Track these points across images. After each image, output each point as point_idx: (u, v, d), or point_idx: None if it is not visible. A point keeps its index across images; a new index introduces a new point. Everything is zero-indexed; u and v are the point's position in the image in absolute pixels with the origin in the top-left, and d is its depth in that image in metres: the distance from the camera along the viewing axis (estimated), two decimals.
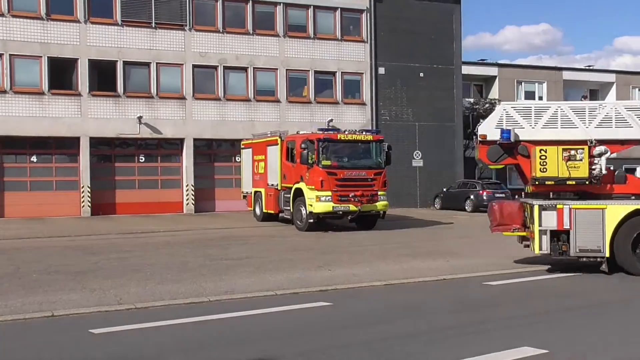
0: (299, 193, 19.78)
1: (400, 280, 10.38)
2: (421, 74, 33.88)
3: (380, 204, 19.32)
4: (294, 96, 31.21)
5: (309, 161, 19.04)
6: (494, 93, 42.92)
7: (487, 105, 39.87)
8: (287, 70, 30.96)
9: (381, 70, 32.86)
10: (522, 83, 44.17)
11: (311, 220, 19.20)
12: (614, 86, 47.37)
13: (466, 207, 30.42)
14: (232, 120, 29.69)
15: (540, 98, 44.58)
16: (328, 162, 19.19)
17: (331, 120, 31.92)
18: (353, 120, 31.88)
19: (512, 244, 13.17)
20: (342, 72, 32.08)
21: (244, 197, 24.56)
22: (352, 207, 18.95)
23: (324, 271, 11.25)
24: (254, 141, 23.73)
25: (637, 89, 47.98)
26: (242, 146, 24.99)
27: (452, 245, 15.16)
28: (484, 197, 29.80)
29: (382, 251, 13.67)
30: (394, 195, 30.45)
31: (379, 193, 19.32)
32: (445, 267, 11.75)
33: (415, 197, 33.72)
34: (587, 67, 49.54)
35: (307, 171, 19.22)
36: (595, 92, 48.65)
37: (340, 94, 32.00)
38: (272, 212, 21.71)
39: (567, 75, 45.92)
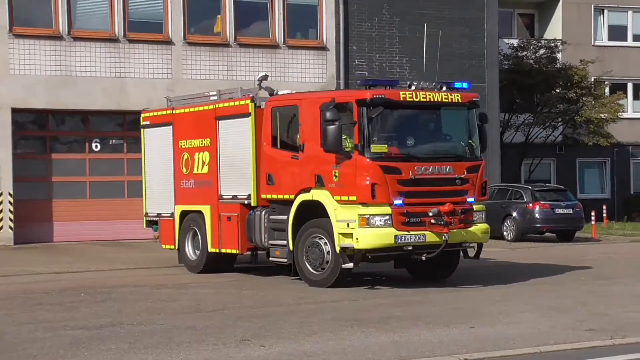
0: (310, 210, 17.51)
1: None
2: None
3: (478, 230, 17.61)
4: (198, 33, 31.41)
5: (344, 146, 16.80)
6: (555, 28, 42.66)
7: (541, 50, 40.05)
8: None
9: None
10: (605, 10, 43.90)
11: (348, 266, 17.03)
12: None
13: (504, 232, 31.19)
14: (82, 77, 29.95)
15: (637, 37, 43.41)
16: (383, 148, 17.02)
17: (264, 76, 30.71)
18: (304, 76, 32.04)
19: None
20: None
21: (151, 223, 22.14)
22: (430, 237, 17.00)
23: None
24: (177, 111, 21.13)
25: None
26: (143, 122, 22.27)
27: None
28: (537, 215, 30.61)
29: None
30: None
31: (475, 208, 17.70)
32: None
33: None
34: None
35: (336, 166, 17.08)
36: None
37: (281, 31, 31.99)
38: (230, 251, 19.46)
39: None
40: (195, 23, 31.13)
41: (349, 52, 32.56)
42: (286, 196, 17.96)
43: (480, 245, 17.90)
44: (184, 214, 20.66)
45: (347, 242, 16.82)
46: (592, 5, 42.95)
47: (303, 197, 17.53)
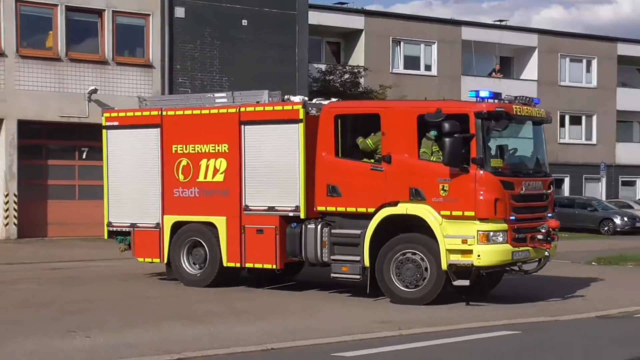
0: (394, 225, 15.49)
1: None
2: (244, 22, 33.92)
3: (554, 245, 16.14)
4: (31, 47, 30.52)
5: (464, 160, 14.85)
6: (358, 56, 43.59)
7: (346, 75, 40.41)
8: (17, 2, 30.13)
9: (179, 12, 32.73)
10: (401, 42, 44.70)
11: (463, 283, 15.14)
12: (535, 52, 48.98)
13: None
14: None
15: (428, 67, 45.10)
16: (499, 163, 15.40)
17: (94, 90, 30.73)
18: (131, 90, 31.43)
19: None
20: (114, 12, 31.66)
21: (113, 234, 18.73)
22: (532, 253, 15.55)
23: None
24: (169, 112, 17.90)
25: (567, 58, 49.96)
26: (107, 123, 18.67)
27: None
28: None
29: None
30: None
31: None
32: None
33: None
34: (498, 23, 51.04)
35: (445, 180, 15.04)
36: (509, 61, 50.11)
37: (110, 48, 31.63)
38: (261, 265, 16.90)
39: (468, 33, 46.88)
40: (28, 37, 30.16)
41: (173, 70, 32.25)
42: (360, 209, 15.69)
43: (546, 259, 15.80)
44: (177, 225, 17.68)
45: (459, 259, 14.92)
46: (391, 38, 43.82)
47: (389, 210, 15.35)
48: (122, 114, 18.72)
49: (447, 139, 14.67)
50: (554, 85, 47.40)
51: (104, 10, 31.13)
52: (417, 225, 15.26)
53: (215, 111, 17.34)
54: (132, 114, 18.58)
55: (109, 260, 22.02)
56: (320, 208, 16.08)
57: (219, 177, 17.24)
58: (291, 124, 16.40)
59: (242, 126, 16.92)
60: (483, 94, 15.28)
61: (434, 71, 45.24)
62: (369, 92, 39.92)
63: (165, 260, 17.82)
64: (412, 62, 44.90)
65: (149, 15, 31.94)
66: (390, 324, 13.04)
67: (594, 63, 50.41)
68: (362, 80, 40.64)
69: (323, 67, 41.23)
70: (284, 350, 11.22)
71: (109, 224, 18.53)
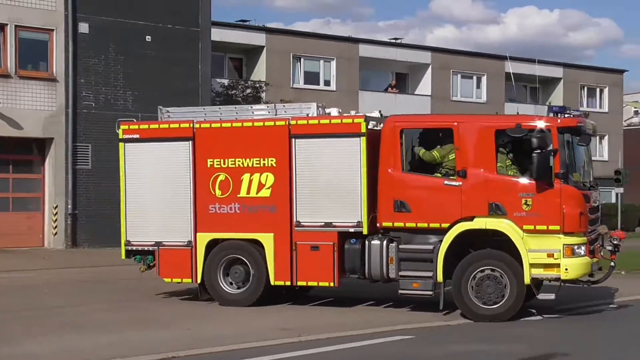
0: (467, 240, 14.97)
1: None
2: (148, 38, 33.66)
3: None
4: None
5: (552, 174, 14.53)
6: (260, 71, 43.67)
7: (248, 90, 40.25)
8: None
9: (83, 28, 32.18)
10: (301, 59, 44.91)
11: (549, 297, 14.81)
12: (429, 69, 49.81)
13: None
14: None
15: (327, 82, 45.43)
16: (578, 177, 15.23)
17: None
18: (35, 104, 31.04)
19: None
20: (16, 26, 30.99)
21: (132, 254, 17.18)
22: (600, 264, 15.60)
23: None
24: (203, 125, 16.65)
25: (458, 75, 50.95)
26: (125, 135, 17.15)
27: None
28: None
29: None
30: (102, 228, 29.84)
31: None
32: None
33: None
34: (394, 41, 51.73)
35: (528, 194, 14.67)
36: (404, 77, 50.84)
37: (12, 63, 30.88)
38: (315, 283, 15.94)
39: (365, 50, 47.36)
40: None
41: (77, 85, 31.49)
42: (433, 225, 15.05)
43: (612, 269, 15.81)
44: (213, 243, 16.42)
45: (541, 273, 14.57)
46: (291, 54, 43.88)
47: (466, 225, 14.80)
48: (143, 127, 17.08)
49: (536, 154, 14.26)
50: (446, 100, 48.22)
51: (7, 24, 30.44)
52: (493, 240, 14.82)
53: (261, 124, 16.12)
54: (157, 126, 16.99)
55: (22, 272, 21.62)
56: (387, 224, 15.31)
57: (265, 193, 16.08)
58: (352, 138, 15.48)
59: (293, 140, 15.83)
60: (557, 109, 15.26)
61: (332, 86, 45.53)
62: None
63: (199, 280, 16.40)
64: (311, 77, 45.06)
65: (53, 30, 31.26)
66: (290, 331, 13.12)
67: (484, 79, 51.50)
68: (263, 95, 40.74)
69: (226, 82, 41.10)
70: (185, 358, 11.19)
71: (127, 243, 16.88)
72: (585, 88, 56.25)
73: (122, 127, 17.08)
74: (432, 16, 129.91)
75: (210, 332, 13.25)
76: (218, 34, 38.94)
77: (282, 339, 12.51)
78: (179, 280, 16.76)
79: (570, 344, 12.60)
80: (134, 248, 16.89)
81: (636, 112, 62.88)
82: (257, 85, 40.93)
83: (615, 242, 15.54)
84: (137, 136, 16.98)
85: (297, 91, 43.01)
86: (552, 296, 14.80)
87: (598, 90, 56.90)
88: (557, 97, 54.35)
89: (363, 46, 47.42)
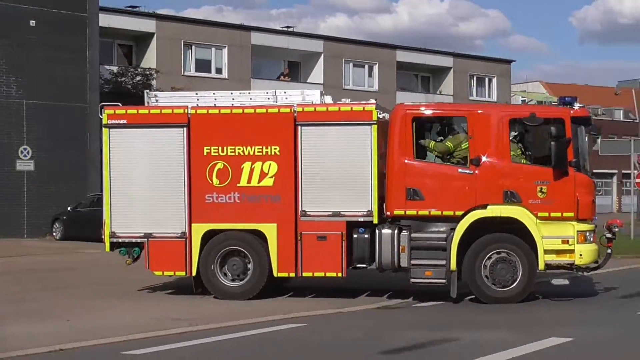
0: (481, 227, 15.02)
1: None
2: (32, 22, 33.07)
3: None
4: None
5: (567, 163, 14.79)
6: (150, 59, 43.24)
7: (138, 77, 39.79)
8: None
9: None
10: (193, 46, 44.57)
11: (564, 282, 15.37)
12: (321, 57, 49.89)
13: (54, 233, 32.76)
14: None
15: (219, 70, 45.10)
16: (588, 166, 15.72)
17: None
18: None
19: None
20: None
21: (117, 246, 16.05)
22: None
23: None
24: (199, 111, 15.71)
25: (350, 63, 51.19)
26: (110, 120, 15.86)
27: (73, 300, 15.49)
28: None
29: None
30: None
31: None
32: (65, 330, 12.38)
33: (22, 219, 33.01)
34: (286, 29, 51.70)
35: (543, 182, 14.87)
36: (297, 65, 50.82)
37: None
38: (323, 274, 15.33)
39: (257, 38, 47.19)
40: None
41: None
42: (447, 212, 15.01)
43: (609, 256, 16.04)
44: (209, 234, 15.60)
45: (553, 259, 14.84)
46: (182, 41, 43.56)
47: (480, 213, 14.86)
48: (131, 112, 15.88)
49: (553, 143, 14.51)
50: (338, 88, 48.28)
51: None
52: (506, 227, 14.95)
53: (263, 111, 15.50)
54: (147, 111, 15.88)
55: None
56: (398, 212, 15.05)
57: (268, 182, 15.41)
58: (362, 126, 15.12)
59: (299, 127, 15.30)
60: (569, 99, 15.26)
61: (224, 74, 45.27)
62: None
63: (194, 273, 15.53)
64: (203, 65, 44.80)
65: None
66: (183, 321, 12.94)
67: (376, 68, 51.87)
68: (154, 83, 40.23)
69: (115, 69, 40.58)
70: (73, 350, 10.95)
71: (112, 235, 15.71)
72: (475, 77, 57.22)
73: (106, 112, 15.84)
74: (325, 5, 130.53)
75: (100, 323, 12.94)
76: (106, 20, 38.42)
77: (174, 329, 12.34)
78: (171, 273, 15.91)
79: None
80: (120, 240, 15.81)
81: (523, 101, 64.35)
82: (147, 72, 40.48)
83: (615, 230, 15.69)
84: (124, 122, 15.79)
85: (189, 79, 42.63)
86: (566, 282, 15.31)
87: (487, 79, 57.96)
88: (447, 86, 55.23)
89: (255, 34, 47.24)
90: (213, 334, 12.02)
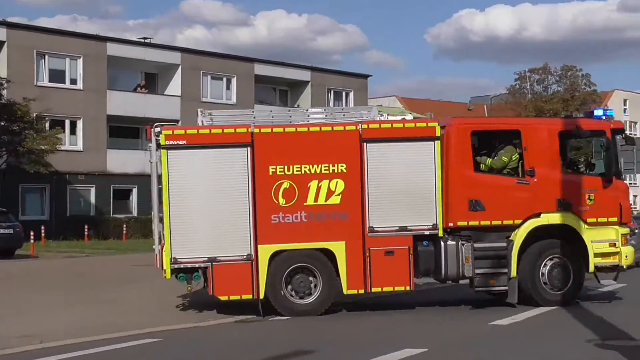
0: (535, 234, 15.88)
1: None
2: None
3: None
4: None
5: (613, 171, 16.17)
6: (1, 68, 42.31)
7: None
8: None
9: None
10: (46, 56, 43.81)
11: (612, 282, 16.96)
12: (179, 69, 49.51)
13: None
14: None
15: (74, 81, 44.19)
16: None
17: None
18: None
19: None
20: None
21: (179, 272, 15.07)
22: None
23: None
24: (262, 130, 15.38)
25: (208, 76, 50.97)
26: (168, 141, 15.13)
27: None
28: None
29: None
30: None
31: None
32: None
33: None
34: (143, 40, 51.09)
35: (591, 190, 16.02)
36: (154, 77, 50.25)
37: None
38: (391, 289, 15.48)
39: (113, 49, 46.49)
40: None
41: None
42: (507, 221, 15.69)
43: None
44: (275, 255, 15.20)
45: (600, 261, 16.02)
46: (35, 50, 42.69)
47: (537, 221, 15.78)
48: (191, 132, 15.20)
49: (603, 154, 16.12)
50: (196, 101, 48.04)
51: None
52: (554, 233, 15.99)
53: (329, 129, 15.46)
54: (208, 131, 15.27)
55: None
56: (461, 223, 15.58)
57: (335, 200, 15.26)
58: (426, 142, 15.40)
59: (365, 144, 15.31)
60: (597, 112, 16.80)
61: (79, 85, 44.48)
62: (12, 105, 38.69)
63: (262, 295, 15.01)
64: (57, 75, 43.95)
65: None
66: (32, 337, 12.56)
67: (234, 81, 51.83)
68: (4, 92, 39.07)
69: None
70: None
71: (174, 261, 14.87)
72: (332, 91, 57.92)
73: (164, 132, 15.09)
74: (183, 16, 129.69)
75: None
76: None
77: (23, 346, 12.01)
78: (238, 297, 15.08)
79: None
80: (182, 266, 14.97)
81: (381, 115, 65.26)
82: None
83: (636, 231, 18.03)
84: (184, 142, 15.09)
85: (42, 89, 41.67)
86: (614, 282, 16.75)
87: (344, 93, 58.74)
88: (305, 100, 55.69)
89: (111, 45, 46.58)
90: (63, 350, 11.72)
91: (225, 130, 15.26)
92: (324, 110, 16.84)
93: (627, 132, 18.23)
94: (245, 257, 15.00)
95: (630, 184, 37.26)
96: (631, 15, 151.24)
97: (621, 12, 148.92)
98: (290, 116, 16.52)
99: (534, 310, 15.27)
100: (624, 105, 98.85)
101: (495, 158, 15.97)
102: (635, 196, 78.05)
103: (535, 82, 77.54)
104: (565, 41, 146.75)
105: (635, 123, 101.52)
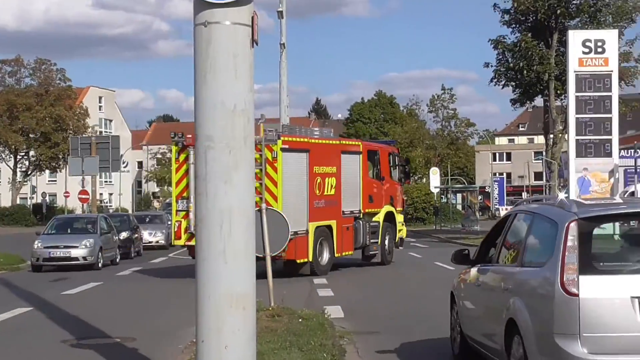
0: None
1: None
2: None
3: None
4: None
5: None
6: None
7: None
8: None
9: None
10: None
11: None
12: None
13: None
14: None
15: None
16: None
17: None
18: None
19: None
20: None
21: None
22: None
23: None
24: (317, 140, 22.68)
25: None
26: (282, 146, 20.27)
27: None
28: None
29: None
30: None
31: None
32: None
33: None
34: None
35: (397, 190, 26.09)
36: None
37: None
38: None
39: None
40: None
41: None
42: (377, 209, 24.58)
43: None
44: (315, 229, 21.54)
45: (399, 235, 25.30)
46: None
47: (387, 208, 24.87)
48: (293, 139, 20.95)
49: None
50: None
51: None
52: (387, 218, 24.12)
53: (337, 142, 23.44)
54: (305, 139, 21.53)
55: None
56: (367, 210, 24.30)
57: (332, 191, 21.95)
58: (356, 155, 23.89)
59: (342, 155, 22.88)
60: None
61: None
62: None
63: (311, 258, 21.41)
64: None
65: None
66: None
67: None
68: None
69: None
70: None
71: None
72: None
73: (283, 138, 20.13)
74: None
75: None
76: None
77: None
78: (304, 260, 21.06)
79: None
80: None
81: None
82: None
83: None
84: (287, 147, 20.38)
85: None
86: None
87: None
88: None
89: None
90: None
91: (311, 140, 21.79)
92: (331, 131, 25.98)
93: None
94: (304, 231, 20.80)
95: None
96: (107, 12, 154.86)
97: (97, 9, 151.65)
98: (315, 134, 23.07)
99: (7, 313, 14.86)
100: (99, 102, 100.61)
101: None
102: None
103: (7, 75, 75.56)
104: (40, 33, 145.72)
105: (111, 121, 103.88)
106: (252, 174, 7.23)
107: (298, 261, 20.52)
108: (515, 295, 7.70)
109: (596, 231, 7.39)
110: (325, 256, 21.55)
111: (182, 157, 20.31)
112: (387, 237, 23.91)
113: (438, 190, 60.03)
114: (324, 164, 21.39)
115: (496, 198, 74.67)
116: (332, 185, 21.67)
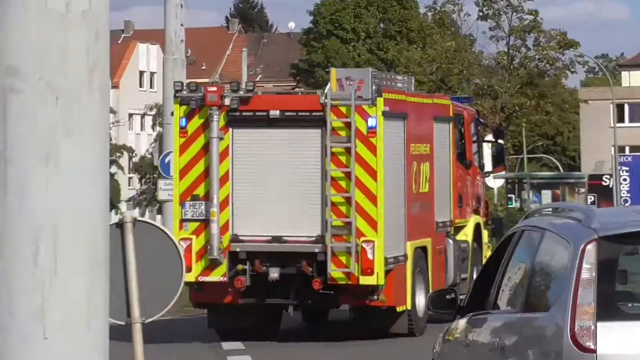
0: None
1: None
2: None
3: None
4: None
5: None
6: None
7: None
8: None
9: None
10: None
11: None
12: None
13: None
14: None
15: None
16: None
17: None
18: None
19: None
20: None
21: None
22: None
23: None
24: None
25: None
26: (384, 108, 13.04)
27: None
28: None
29: None
30: None
31: None
32: None
33: None
34: None
35: None
36: None
37: None
38: None
39: None
40: None
41: None
42: None
43: None
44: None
45: None
46: None
47: None
48: (397, 97, 13.73)
49: None
50: None
51: None
52: None
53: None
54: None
55: None
56: None
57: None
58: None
59: None
60: None
61: None
62: None
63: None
64: None
65: None
66: None
67: None
68: None
69: None
70: None
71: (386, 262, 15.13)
72: None
73: (385, 95, 12.81)
74: None
75: None
76: None
77: None
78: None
79: None
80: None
81: None
82: None
83: None
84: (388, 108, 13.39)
85: None
86: None
87: None
88: None
89: None
90: None
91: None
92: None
93: None
94: (403, 256, 15.01)
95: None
96: None
97: None
98: None
99: None
100: None
101: None
102: None
103: None
104: None
105: None
106: (104, 149, 2.69)
107: (398, 309, 12.65)
108: (512, 356, 5.48)
109: (625, 256, 5.25)
110: (421, 301, 12.96)
111: (193, 125, 12.87)
112: (474, 270, 13.92)
113: (502, 183, 36.08)
114: (418, 139, 13.52)
115: (627, 196, 37.69)
116: (426, 177, 13.50)
